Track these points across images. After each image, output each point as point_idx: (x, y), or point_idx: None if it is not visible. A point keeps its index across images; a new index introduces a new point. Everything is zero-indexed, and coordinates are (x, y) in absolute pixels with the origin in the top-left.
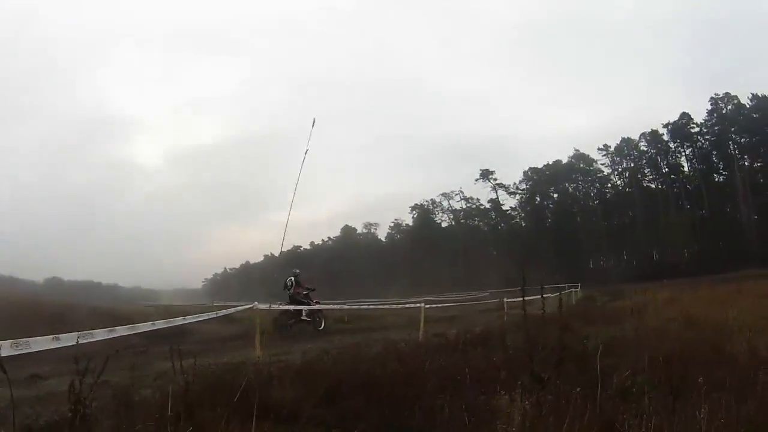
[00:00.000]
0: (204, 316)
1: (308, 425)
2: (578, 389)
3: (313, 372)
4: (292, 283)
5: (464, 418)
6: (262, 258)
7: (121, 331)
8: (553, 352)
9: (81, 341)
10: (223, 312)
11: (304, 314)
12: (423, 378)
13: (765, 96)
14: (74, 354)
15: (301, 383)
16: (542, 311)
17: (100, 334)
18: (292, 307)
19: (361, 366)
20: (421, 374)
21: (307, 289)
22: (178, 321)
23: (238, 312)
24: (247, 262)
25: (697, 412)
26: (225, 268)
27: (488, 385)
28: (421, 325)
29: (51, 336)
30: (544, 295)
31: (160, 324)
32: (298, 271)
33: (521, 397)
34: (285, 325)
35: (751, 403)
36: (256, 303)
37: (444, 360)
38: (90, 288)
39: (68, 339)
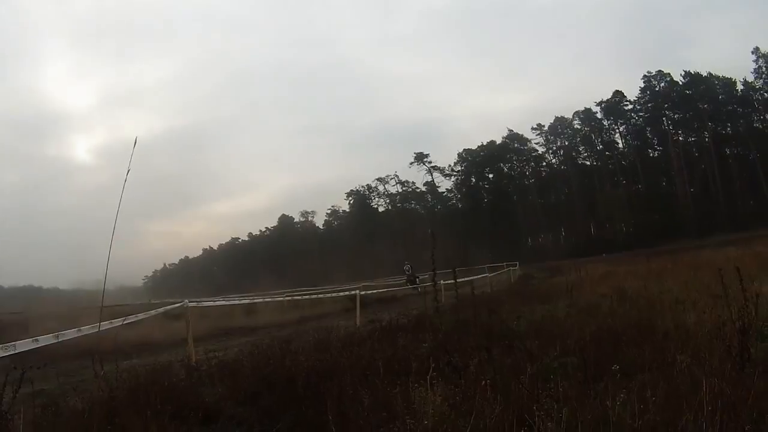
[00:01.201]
0: (131, 318)
1: (229, 424)
2: (497, 376)
3: (239, 369)
4: (409, 269)
5: (378, 413)
6: (200, 252)
7: (45, 340)
8: (480, 337)
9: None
10: (143, 315)
11: (417, 287)
12: (342, 371)
13: (698, 73)
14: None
15: (226, 382)
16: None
17: (23, 345)
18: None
19: (285, 361)
20: (340, 367)
21: (414, 271)
22: (106, 325)
23: (173, 309)
24: (186, 257)
25: (608, 402)
26: (164, 264)
27: (407, 375)
28: (357, 312)
29: None
30: (483, 275)
31: (86, 330)
32: (408, 263)
33: (438, 388)
34: (412, 292)
35: (665, 387)
36: (186, 301)
37: (370, 349)
38: (31, 293)
39: None
